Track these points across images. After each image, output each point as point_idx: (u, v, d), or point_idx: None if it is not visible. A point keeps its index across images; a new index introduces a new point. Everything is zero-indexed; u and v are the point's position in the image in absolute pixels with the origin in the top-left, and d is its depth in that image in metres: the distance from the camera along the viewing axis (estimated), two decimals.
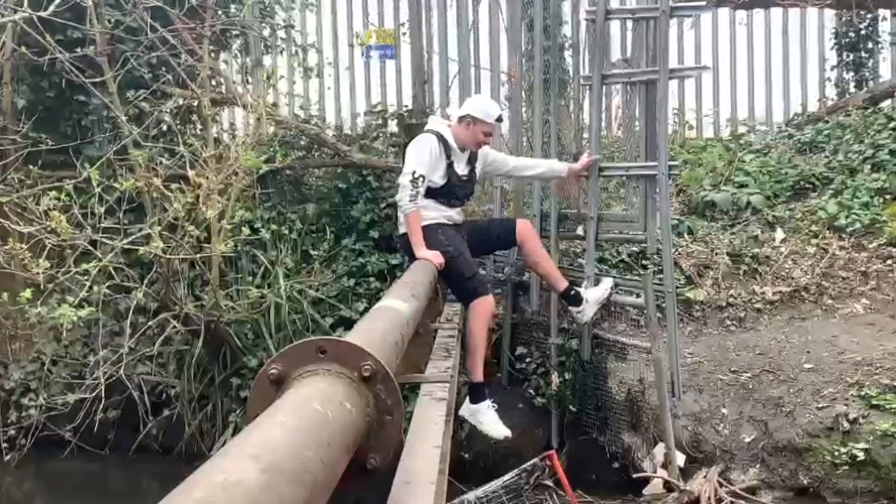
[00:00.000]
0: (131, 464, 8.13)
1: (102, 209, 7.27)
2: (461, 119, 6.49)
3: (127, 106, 8.19)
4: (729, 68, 12.34)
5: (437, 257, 6.12)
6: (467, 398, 6.43)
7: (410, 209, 6.20)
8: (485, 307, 6.39)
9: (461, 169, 6.53)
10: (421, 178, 6.16)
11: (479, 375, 6.42)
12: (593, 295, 6.94)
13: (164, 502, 1.18)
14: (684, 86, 12.39)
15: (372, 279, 8.42)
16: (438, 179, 6.39)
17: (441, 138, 6.39)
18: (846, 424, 6.78)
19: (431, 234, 6.31)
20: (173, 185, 7.21)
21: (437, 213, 6.44)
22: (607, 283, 7.04)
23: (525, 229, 6.85)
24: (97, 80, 7.96)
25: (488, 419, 6.41)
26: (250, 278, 8.39)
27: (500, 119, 6.63)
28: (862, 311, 8.47)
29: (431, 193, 6.38)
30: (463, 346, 6.21)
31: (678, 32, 12.27)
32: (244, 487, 1.23)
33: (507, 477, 6.27)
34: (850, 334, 7.92)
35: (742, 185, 10.06)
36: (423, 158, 6.25)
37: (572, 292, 6.83)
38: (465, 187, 6.66)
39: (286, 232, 8.60)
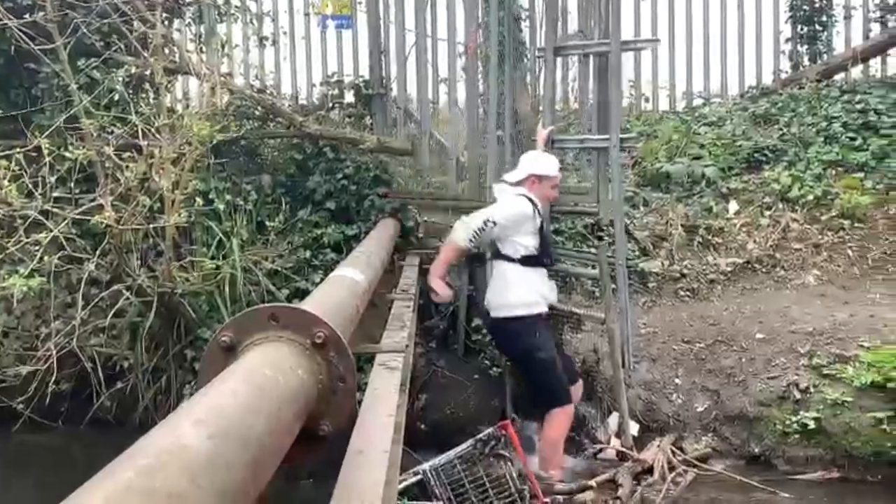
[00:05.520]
0: (84, 436, 8.06)
1: (53, 178, 7.16)
2: (524, 180, 6.43)
3: (78, 74, 8.06)
4: (685, 41, 12.39)
5: (447, 295, 6.36)
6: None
7: (463, 244, 6.18)
8: (565, 417, 6.37)
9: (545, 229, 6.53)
10: (492, 225, 6.10)
11: (555, 478, 6.35)
12: None
13: (109, 468, 1.16)
14: (640, 58, 12.45)
15: (328, 250, 8.38)
16: (532, 243, 6.33)
17: (534, 203, 6.32)
18: (797, 394, 6.86)
19: (531, 328, 6.29)
20: (125, 155, 7.12)
21: (540, 288, 6.40)
22: None
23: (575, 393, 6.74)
24: (47, 47, 7.81)
25: None
26: (205, 249, 8.31)
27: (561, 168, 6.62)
28: (814, 282, 8.58)
29: (534, 262, 6.34)
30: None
31: (635, 4, 12.31)
32: (190, 453, 1.22)
33: (462, 447, 6.27)
34: (801, 305, 8.02)
35: (697, 157, 10.14)
36: (508, 216, 6.21)
37: None
38: (550, 245, 6.68)
39: (241, 203, 8.51)
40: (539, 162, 6.49)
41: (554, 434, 6.37)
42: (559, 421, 6.33)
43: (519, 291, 6.33)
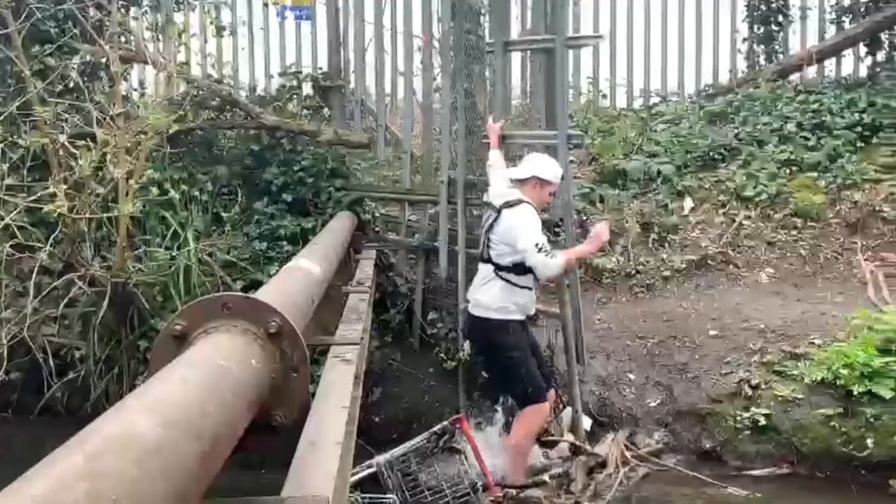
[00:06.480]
0: (34, 426, 7.96)
1: (6, 166, 7.07)
2: (526, 181, 6.38)
3: (32, 61, 7.95)
4: (643, 38, 12.45)
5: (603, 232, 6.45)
6: None
7: (558, 264, 6.09)
8: (537, 415, 6.39)
9: None
10: (543, 243, 6.06)
11: (519, 478, 6.40)
12: None
13: (58, 453, 1.15)
14: (599, 55, 12.49)
15: (284, 243, 8.33)
16: None
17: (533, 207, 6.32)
18: (748, 390, 6.94)
19: (512, 331, 6.33)
20: (79, 143, 7.03)
21: (522, 297, 6.39)
22: None
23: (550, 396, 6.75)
24: (1, 32, 7.70)
25: None
26: (159, 240, 8.23)
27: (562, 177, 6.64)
28: (767, 279, 8.67)
29: (524, 269, 6.28)
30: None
31: (594, 1, 12.37)
32: (140, 441, 1.21)
33: (416, 440, 6.29)
34: (754, 302, 8.10)
35: (653, 155, 10.20)
36: (537, 228, 6.15)
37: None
38: None
39: (197, 193, 8.44)
40: (545, 166, 6.45)
41: (524, 431, 6.38)
42: (530, 418, 6.35)
43: (501, 301, 6.34)
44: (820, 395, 6.73)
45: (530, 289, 6.43)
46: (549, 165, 6.48)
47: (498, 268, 6.30)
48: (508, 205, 6.28)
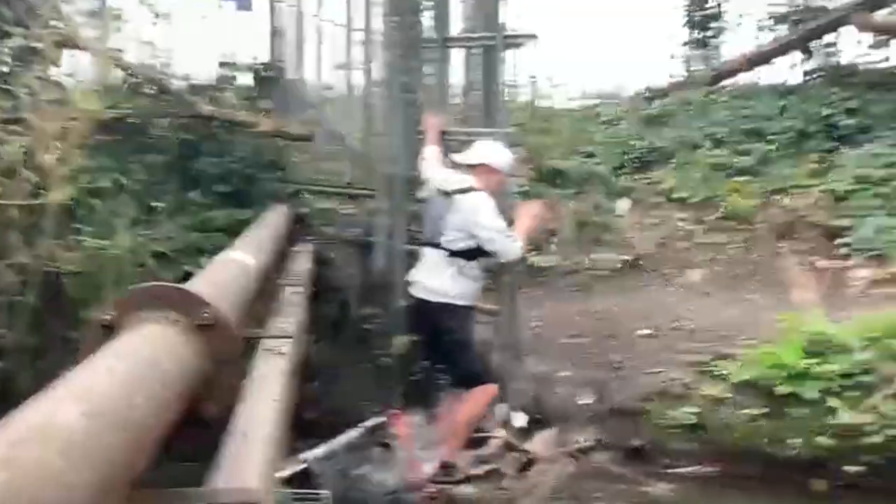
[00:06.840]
0: None
1: None
2: (475, 167, 6.36)
3: None
4: (583, 41, 12.56)
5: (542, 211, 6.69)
6: None
7: (520, 246, 6.30)
8: (485, 395, 6.36)
9: None
10: (503, 227, 6.13)
11: (450, 455, 6.37)
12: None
13: None
14: (539, 55, 12.57)
15: (219, 234, 8.25)
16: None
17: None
18: (679, 389, 7.02)
19: (460, 316, 6.34)
20: (9, 128, 6.89)
21: (470, 282, 6.37)
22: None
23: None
24: None
25: None
26: (89, 229, 8.08)
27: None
28: (699, 280, 8.78)
29: (478, 253, 6.29)
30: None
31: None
32: (64, 431, 1.18)
33: (349, 435, 6.27)
34: (686, 303, 8.20)
35: (590, 156, 10.29)
36: (494, 212, 6.18)
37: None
38: None
39: (129, 182, 8.31)
40: (496, 154, 6.44)
41: (471, 411, 6.36)
42: (478, 397, 6.34)
43: (450, 285, 6.32)
44: (747, 396, 6.81)
45: (478, 273, 6.44)
46: (499, 153, 6.48)
47: (449, 253, 6.30)
48: (462, 191, 6.28)
